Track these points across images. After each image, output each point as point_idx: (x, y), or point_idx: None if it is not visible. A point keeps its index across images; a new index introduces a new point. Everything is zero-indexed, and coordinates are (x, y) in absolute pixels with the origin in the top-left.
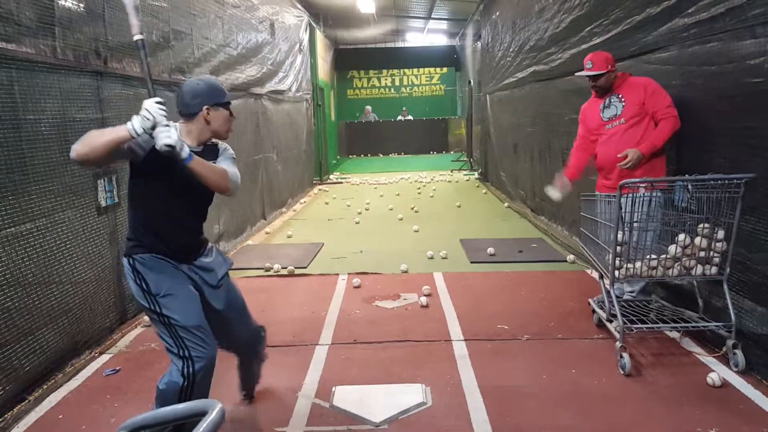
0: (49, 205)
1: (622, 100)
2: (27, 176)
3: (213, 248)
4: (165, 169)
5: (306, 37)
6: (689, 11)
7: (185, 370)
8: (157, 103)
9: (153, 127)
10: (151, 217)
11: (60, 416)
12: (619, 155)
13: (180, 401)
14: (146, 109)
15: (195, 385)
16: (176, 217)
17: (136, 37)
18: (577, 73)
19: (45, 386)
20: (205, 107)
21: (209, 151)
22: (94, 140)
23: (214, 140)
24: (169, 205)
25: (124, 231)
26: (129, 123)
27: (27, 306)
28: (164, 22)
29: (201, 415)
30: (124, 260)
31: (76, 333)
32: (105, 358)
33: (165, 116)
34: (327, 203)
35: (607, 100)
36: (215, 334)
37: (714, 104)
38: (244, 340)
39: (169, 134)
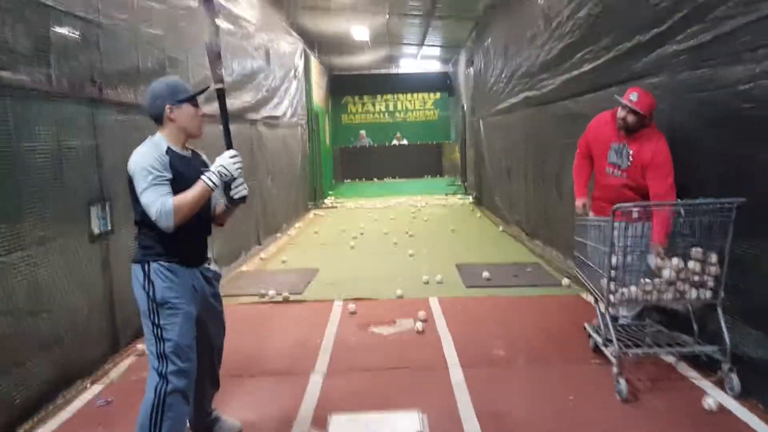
0: (42, 233)
1: (631, 158)
2: (20, 204)
3: (211, 260)
4: (192, 178)
5: (301, 64)
6: (678, 38)
7: (158, 386)
8: (232, 157)
9: (230, 181)
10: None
11: None
12: (656, 259)
13: (151, 420)
14: (223, 166)
15: (165, 403)
16: (199, 221)
17: (217, 86)
18: (617, 97)
19: (36, 418)
20: (167, 107)
21: (197, 161)
22: (187, 209)
23: (196, 150)
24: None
25: (117, 258)
26: (208, 180)
27: (18, 335)
28: (159, 49)
29: None
30: (136, 266)
31: (68, 363)
32: (97, 388)
33: (240, 170)
34: (316, 232)
35: (620, 145)
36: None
37: (704, 129)
38: (216, 349)
39: (245, 188)
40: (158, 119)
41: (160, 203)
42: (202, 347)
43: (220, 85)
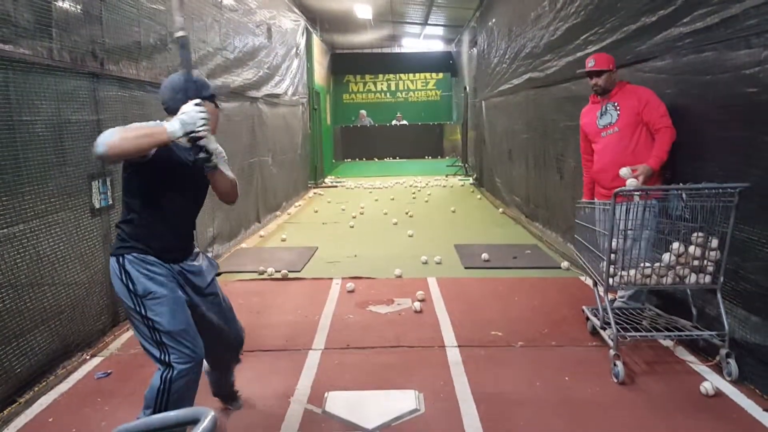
0: (43, 206)
1: (618, 108)
2: (21, 177)
3: (200, 253)
4: (175, 167)
5: (303, 42)
6: (684, 21)
7: (164, 374)
8: (197, 105)
9: (191, 131)
10: (153, 214)
11: (50, 419)
12: (628, 168)
13: (156, 406)
14: (185, 113)
15: (171, 391)
16: (179, 215)
17: (179, 34)
18: (579, 71)
19: (36, 389)
20: (189, 102)
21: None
22: (131, 140)
23: None
24: (174, 203)
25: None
26: (169, 126)
27: (19, 307)
28: (161, 24)
29: (193, 423)
30: (112, 259)
31: (68, 335)
32: (96, 360)
33: (205, 120)
34: (316, 211)
35: (603, 107)
36: (203, 339)
37: (709, 113)
38: (231, 344)
39: (210, 141)
40: (174, 112)
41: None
42: (215, 339)
43: (181, 33)
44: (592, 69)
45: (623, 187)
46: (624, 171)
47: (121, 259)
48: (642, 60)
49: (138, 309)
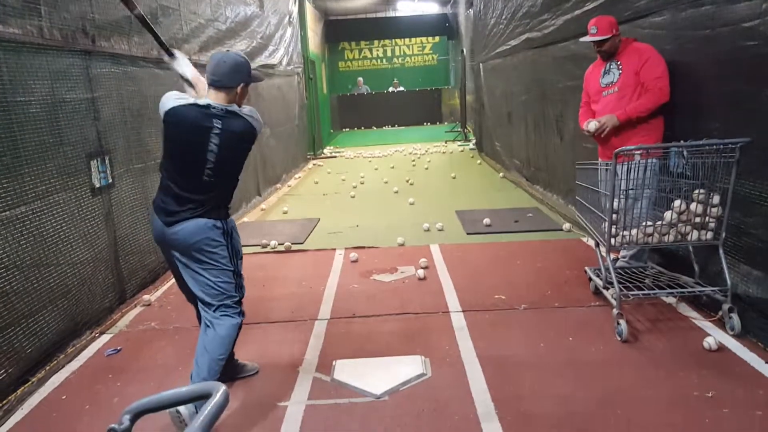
0: (43, 187)
1: (620, 67)
2: (19, 159)
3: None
4: (182, 134)
5: (295, 9)
6: None
7: (241, 309)
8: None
9: None
10: (168, 179)
11: (63, 397)
12: (596, 120)
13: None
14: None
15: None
16: (184, 182)
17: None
18: (581, 39)
19: (47, 367)
20: (242, 84)
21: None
22: None
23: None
24: (177, 167)
25: (119, 211)
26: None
27: (26, 288)
28: None
29: (205, 397)
30: (218, 222)
31: (76, 314)
32: (106, 338)
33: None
34: (316, 182)
35: (607, 66)
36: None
37: (708, 68)
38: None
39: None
40: (225, 87)
41: None
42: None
43: (137, 11)
44: (594, 37)
45: (624, 147)
46: (592, 124)
47: (226, 224)
48: (641, 16)
49: (233, 262)
